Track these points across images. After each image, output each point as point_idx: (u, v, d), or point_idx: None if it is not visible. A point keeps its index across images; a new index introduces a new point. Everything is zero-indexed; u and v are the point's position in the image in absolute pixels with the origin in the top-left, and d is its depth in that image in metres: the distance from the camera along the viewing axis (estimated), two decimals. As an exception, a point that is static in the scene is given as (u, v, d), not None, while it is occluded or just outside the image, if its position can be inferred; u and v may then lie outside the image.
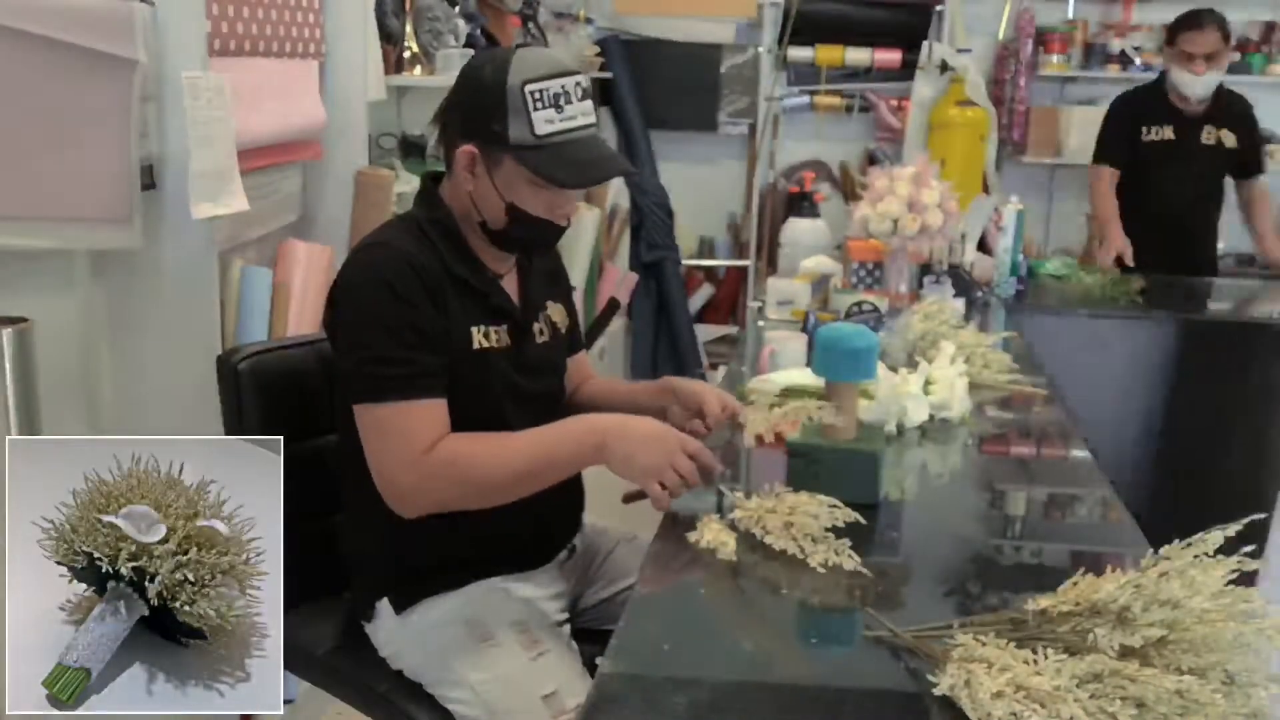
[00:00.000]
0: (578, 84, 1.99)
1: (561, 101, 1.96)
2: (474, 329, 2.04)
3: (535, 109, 1.94)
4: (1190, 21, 4.84)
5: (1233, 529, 1.48)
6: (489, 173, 2.00)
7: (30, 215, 2.35)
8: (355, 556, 2.18)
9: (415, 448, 1.91)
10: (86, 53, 2.32)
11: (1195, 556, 1.46)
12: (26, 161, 2.32)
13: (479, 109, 1.98)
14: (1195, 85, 4.85)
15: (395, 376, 1.92)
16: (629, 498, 2.13)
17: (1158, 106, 5.00)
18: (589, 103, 2.01)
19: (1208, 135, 4.99)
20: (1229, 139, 4.98)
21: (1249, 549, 1.46)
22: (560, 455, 1.99)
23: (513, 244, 2.11)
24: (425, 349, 1.94)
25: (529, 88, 1.94)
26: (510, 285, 2.16)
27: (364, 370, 1.94)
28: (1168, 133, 4.98)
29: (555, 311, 2.28)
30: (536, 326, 2.19)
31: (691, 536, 1.91)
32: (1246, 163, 5.08)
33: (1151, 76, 6.05)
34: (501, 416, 2.05)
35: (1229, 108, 5.03)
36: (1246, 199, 5.16)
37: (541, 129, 1.94)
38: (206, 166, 2.54)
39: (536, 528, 2.15)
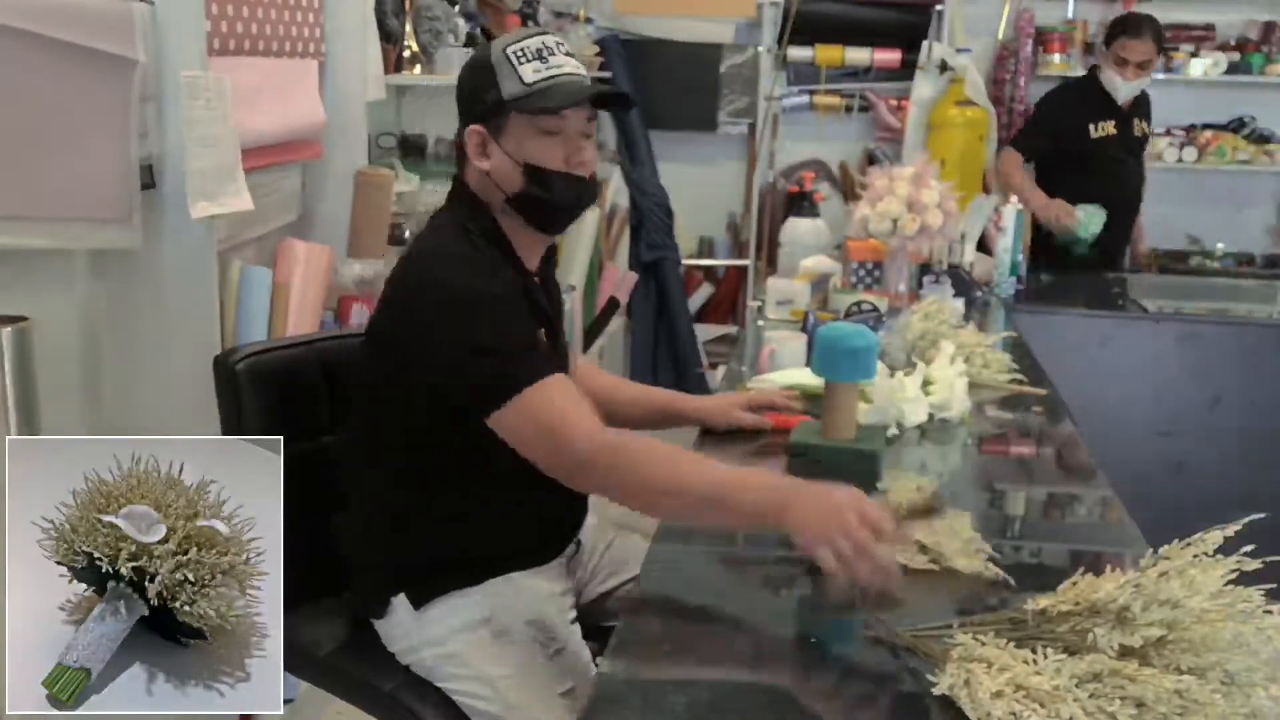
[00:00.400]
0: (558, 42, 2.05)
1: (545, 54, 2.01)
2: (537, 332, 2.06)
3: (520, 64, 2.00)
4: (1131, 29, 4.96)
5: (1232, 529, 1.48)
6: (498, 142, 2.03)
7: (30, 215, 2.34)
8: (361, 554, 2.17)
9: (570, 420, 1.91)
10: (86, 52, 2.32)
11: (1195, 556, 1.47)
12: (26, 161, 2.31)
13: (471, 89, 2.06)
14: (1122, 90, 5.03)
15: (519, 367, 1.92)
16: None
17: (1098, 102, 5.13)
18: (574, 60, 2.06)
19: (1137, 128, 5.21)
20: (1142, 129, 5.26)
21: (1249, 548, 1.46)
22: (732, 501, 1.86)
23: (541, 209, 2.08)
24: (526, 336, 1.99)
25: (509, 49, 2.01)
26: (538, 289, 2.17)
27: (489, 372, 1.92)
28: (1110, 127, 5.13)
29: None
30: (563, 325, 2.24)
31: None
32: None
33: (1154, 76, 6.08)
34: None
35: (1142, 97, 5.24)
36: None
37: (530, 77, 1.99)
38: (205, 165, 2.54)
39: (545, 522, 2.16)
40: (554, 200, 2.08)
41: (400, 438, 2.07)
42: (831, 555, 1.70)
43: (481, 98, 2.02)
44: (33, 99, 2.29)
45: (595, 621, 2.27)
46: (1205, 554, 1.47)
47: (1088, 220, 4.96)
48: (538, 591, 2.13)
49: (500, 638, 2.06)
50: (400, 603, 2.10)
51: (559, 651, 2.07)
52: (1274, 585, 1.47)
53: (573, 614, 2.19)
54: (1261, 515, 1.49)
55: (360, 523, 2.17)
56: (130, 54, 2.38)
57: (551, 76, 2.00)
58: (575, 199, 2.11)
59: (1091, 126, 5.11)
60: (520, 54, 2.00)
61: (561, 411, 1.91)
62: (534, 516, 2.09)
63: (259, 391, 2.23)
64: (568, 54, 2.05)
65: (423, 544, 2.06)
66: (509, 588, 2.11)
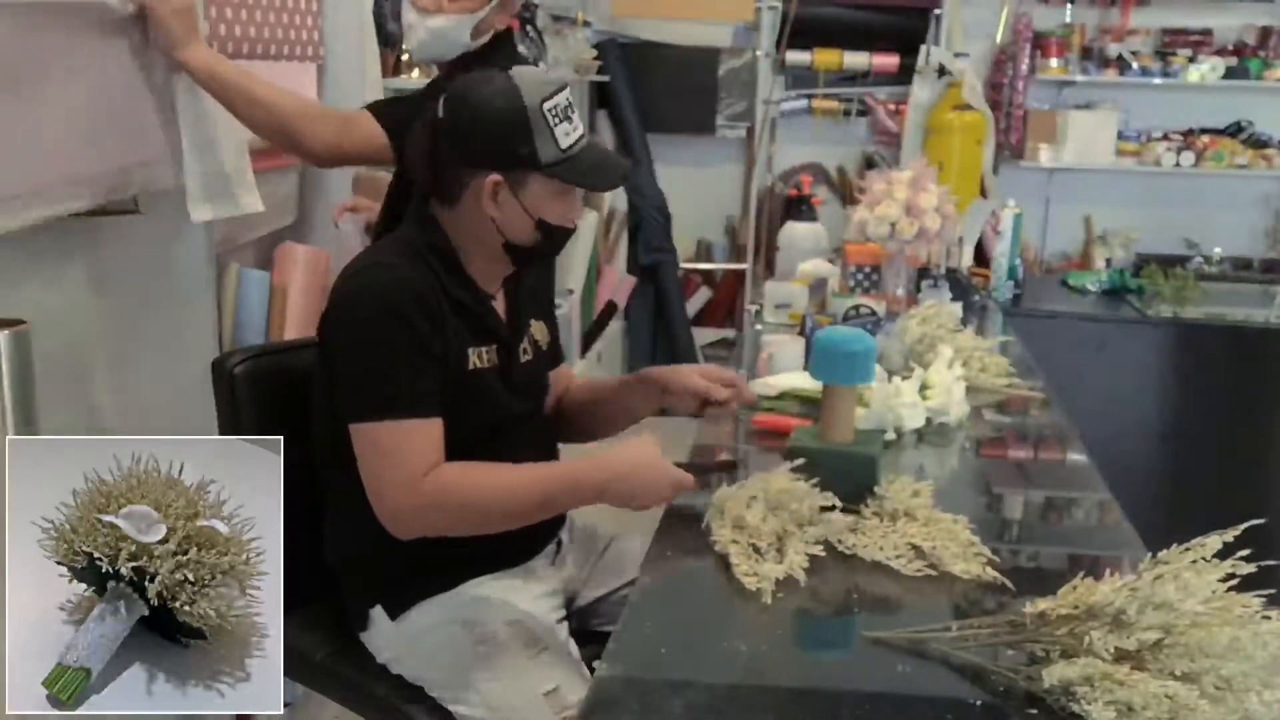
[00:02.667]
0: (570, 95, 2.05)
1: (570, 113, 2.01)
2: (470, 350, 2.05)
3: (556, 124, 1.98)
4: None
5: (1230, 534, 1.48)
6: (515, 196, 2.01)
7: (87, 175, 2.31)
8: (343, 565, 2.17)
9: (414, 469, 1.92)
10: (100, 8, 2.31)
11: (1193, 561, 1.47)
12: (66, 127, 2.29)
13: (500, 138, 1.98)
14: None
15: (390, 397, 1.93)
16: None
17: None
18: (577, 110, 2.08)
19: None
20: None
21: (1245, 553, 1.46)
22: (557, 497, 2.01)
23: (536, 257, 2.15)
24: (424, 370, 1.96)
25: (546, 105, 1.97)
26: (499, 306, 2.17)
27: (364, 389, 1.94)
28: None
29: (538, 329, 2.28)
30: (522, 346, 2.20)
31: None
32: None
33: (1151, 81, 6.11)
34: (491, 435, 2.07)
35: None
36: None
37: (564, 142, 1.99)
38: (206, 169, 2.54)
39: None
40: (552, 251, 2.19)
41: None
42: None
43: (511, 149, 1.98)
44: (56, 65, 2.27)
45: (592, 625, 2.27)
46: (1203, 559, 1.47)
47: None
48: (517, 593, 2.14)
49: (482, 642, 2.07)
50: (379, 614, 2.12)
51: (542, 652, 2.08)
52: (1273, 591, 1.47)
53: (560, 614, 2.19)
54: (1259, 521, 1.49)
55: (338, 531, 2.17)
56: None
57: (577, 141, 2.02)
58: (560, 250, 2.22)
59: None
60: (554, 112, 1.98)
61: (400, 456, 1.93)
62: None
63: (256, 394, 2.23)
64: (576, 107, 2.07)
65: (394, 553, 2.03)
66: (486, 591, 2.12)
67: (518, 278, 2.20)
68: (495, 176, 1.99)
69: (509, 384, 2.13)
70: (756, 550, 1.89)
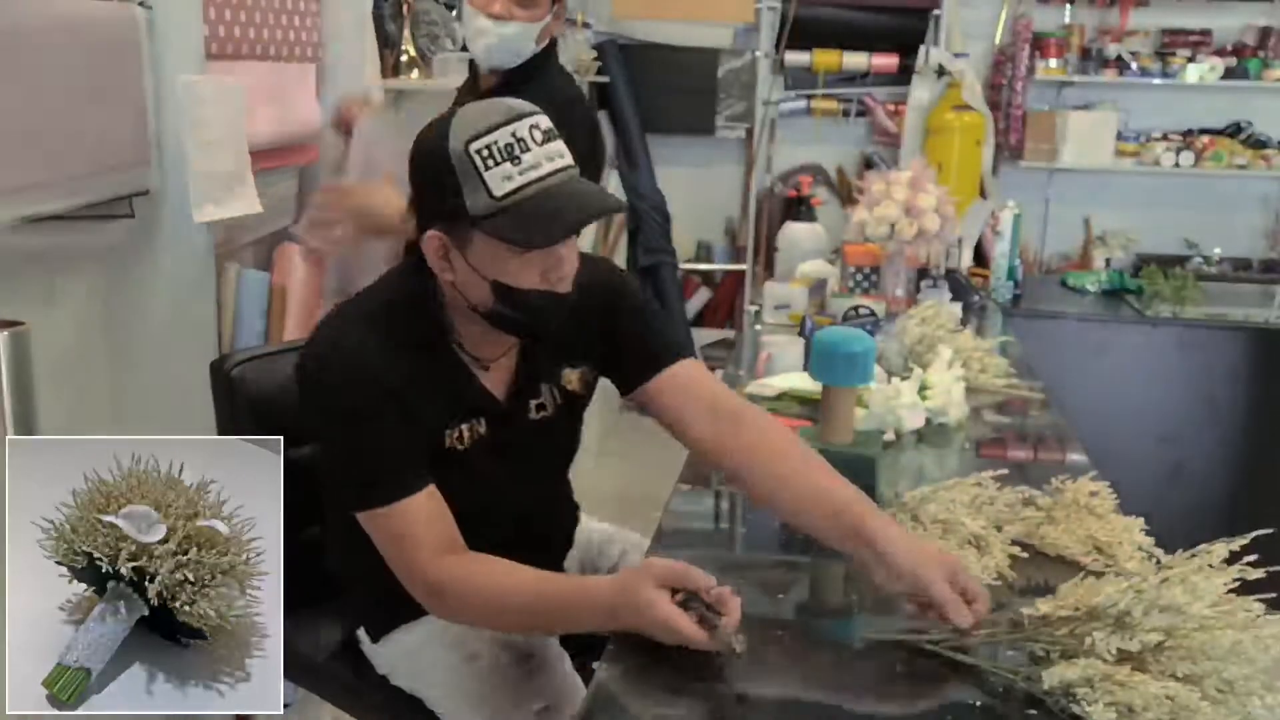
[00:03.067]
0: (533, 127, 1.72)
1: (516, 150, 1.69)
2: (446, 431, 1.89)
3: (487, 168, 1.69)
4: None
5: (1238, 543, 1.48)
6: (463, 255, 1.76)
7: (51, 180, 2.29)
8: (338, 574, 2.15)
9: (421, 550, 1.79)
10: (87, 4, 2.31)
11: (1199, 568, 1.47)
12: (44, 126, 2.27)
13: (431, 186, 1.75)
14: None
15: (370, 484, 1.80)
16: None
17: None
18: (555, 144, 1.74)
19: None
20: None
21: (1251, 558, 1.46)
22: (571, 622, 1.81)
23: (514, 326, 1.85)
24: (391, 450, 1.81)
25: (473, 146, 1.69)
26: (504, 367, 1.96)
27: (343, 483, 1.85)
28: None
29: (571, 378, 2.04)
30: (535, 403, 1.99)
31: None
32: None
33: (1150, 82, 6.10)
34: (478, 505, 1.88)
35: None
36: None
37: (500, 189, 1.69)
38: (209, 169, 2.54)
39: (496, 548, 1.84)
40: (527, 320, 1.83)
41: None
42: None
43: (440, 203, 1.73)
44: (41, 62, 2.26)
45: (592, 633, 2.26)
46: (1210, 565, 1.47)
47: None
48: None
49: (470, 661, 2.04)
50: (363, 636, 2.12)
51: (535, 669, 2.04)
52: (1274, 595, 1.47)
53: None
54: (1268, 531, 1.49)
55: (331, 543, 2.15)
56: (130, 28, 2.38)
57: (526, 184, 1.70)
58: (551, 319, 1.84)
59: None
60: (486, 154, 1.68)
61: (403, 538, 1.79)
62: (483, 543, 1.85)
63: (254, 396, 2.23)
64: (545, 139, 1.73)
65: (372, 577, 1.91)
66: None
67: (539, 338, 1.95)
68: (435, 233, 1.77)
69: (507, 451, 1.97)
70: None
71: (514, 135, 1.69)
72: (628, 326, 2.02)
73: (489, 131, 1.69)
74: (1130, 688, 1.40)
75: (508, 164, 1.68)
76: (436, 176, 1.72)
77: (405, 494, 1.79)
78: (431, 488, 1.81)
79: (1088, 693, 1.42)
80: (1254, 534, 1.49)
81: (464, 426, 1.90)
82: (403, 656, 2.09)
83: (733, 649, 1.56)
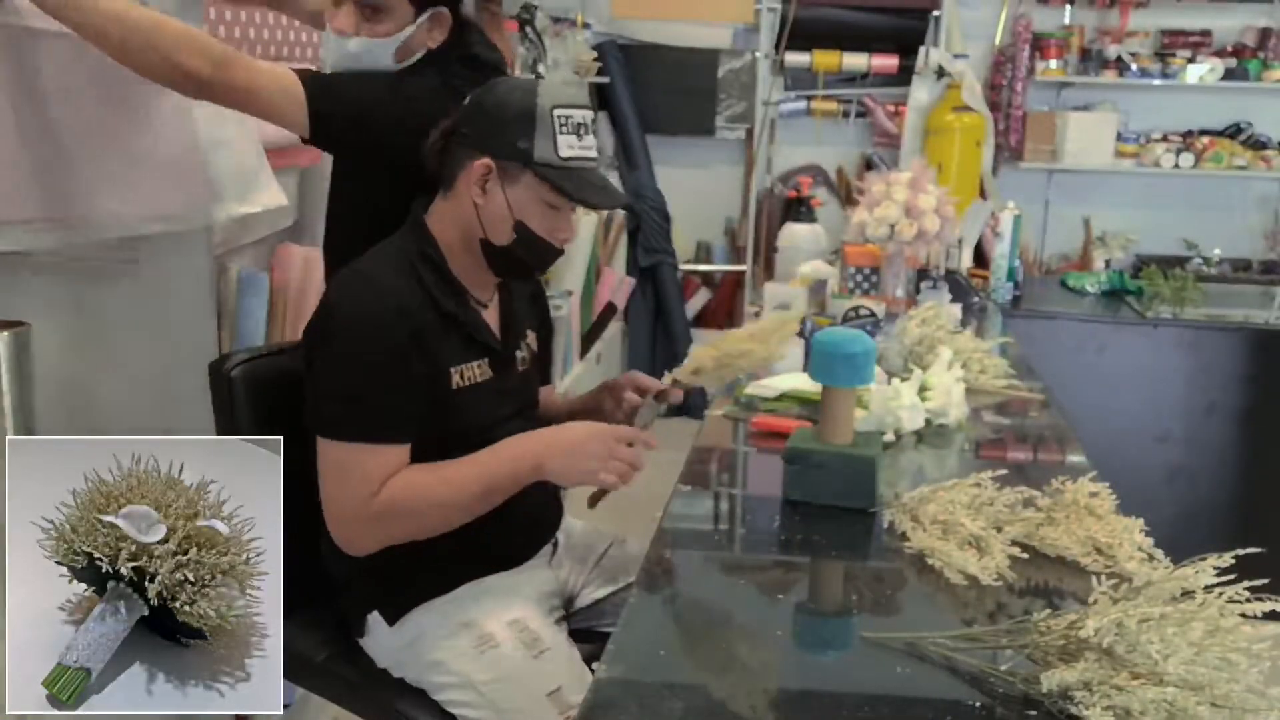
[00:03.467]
0: (593, 119, 2.07)
1: (582, 131, 2.03)
2: (453, 370, 2.05)
3: (562, 132, 2.00)
4: None
5: (1229, 557, 1.48)
6: (502, 188, 2.02)
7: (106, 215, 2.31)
8: (340, 571, 2.17)
9: (366, 491, 1.94)
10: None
11: (1177, 595, 1.47)
12: (88, 160, 2.28)
13: (501, 125, 2.01)
14: None
15: (364, 417, 1.94)
16: (592, 500, 2.15)
17: None
18: (594, 139, 2.07)
19: None
20: None
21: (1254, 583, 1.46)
22: (498, 483, 2.00)
23: (510, 264, 2.12)
24: (400, 392, 1.96)
25: (558, 111, 2.00)
26: (492, 315, 2.18)
27: (333, 406, 1.96)
28: None
29: (532, 338, 2.31)
30: (519, 355, 2.23)
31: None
32: None
33: (1150, 83, 6.10)
34: (474, 444, 2.05)
35: None
36: None
37: (565, 152, 2.00)
38: (228, 168, 2.54)
39: (516, 524, 2.14)
40: (529, 262, 2.13)
41: None
42: (611, 479, 1.98)
43: (510, 139, 2.00)
44: (84, 99, 2.27)
45: (592, 625, 2.27)
46: (1189, 590, 1.47)
47: None
48: (517, 593, 2.14)
49: (483, 643, 2.06)
50: (376, 620, 2.12)
51: (544, 652, 2.07)
52: (1266, 579, 1.47)
53: (558, 614, 2.19)
54: (1258, 550, 1.48)
55: (331, 538, 2.16)
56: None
57: (581, 159, 2.02)
58: (544, 266, 2.22)
59: None
60: (564, 121, 2.00)
61: (343, 479, 1.96)
62: (500, 519, 2.06)
63: (254, 397, 2.23)
64: (594, 131, 2.07)
65: (389, 558, 2.03)
66: (485, 592, 2.12)
67: (507, 286, 2.22)
68: (487, 161, 2.01)
69: (502, 394, 2.14)
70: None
71: (585, 118, 2.04)
72: (545, 338, 2.40)
73: (571, 107, 2.02)
74: (1129, 692, 1.40)
75: (574, 136, 2.02)
76: (516, 119, 2.00)
77: (394, 440, 1.97)
78: (406, 449, 1.99)
79: (1085, 696, 1.42)
80: (1245, 550, 1.48)
81: (473, 365, 2.09)
82: (413, 643, 2.09)
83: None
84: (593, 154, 2.05)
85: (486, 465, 2.00)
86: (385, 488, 1.94)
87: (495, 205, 2.03)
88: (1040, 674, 1.46)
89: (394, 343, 1.94)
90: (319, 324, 2.00)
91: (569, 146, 2.00)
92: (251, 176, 2.63)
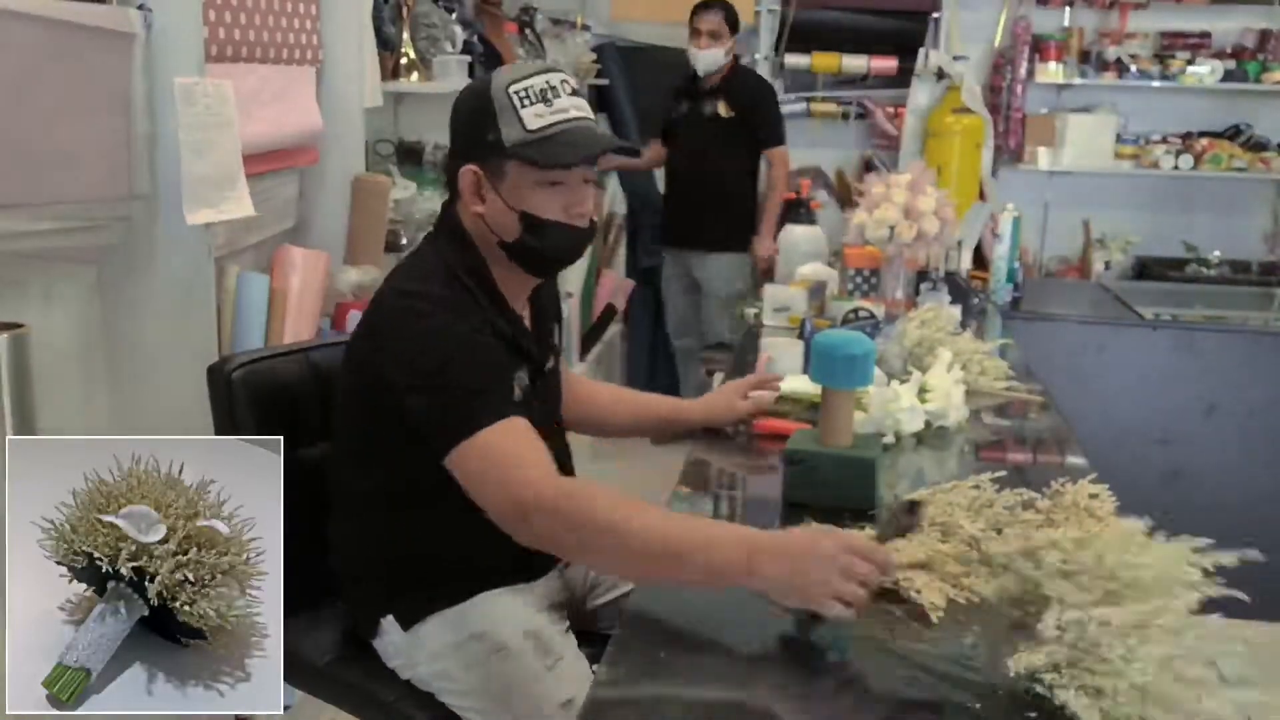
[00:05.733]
0: (563, 80, 1.99)
1: (549, 96, 1.96)
2: (515, 378, 2.01)
3: (523, 106, 1.94)
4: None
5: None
6: (495, 188, 1.99)
7: (30, 201, 2.29)
8: (350, 572, 2.17)
9: (543, 462, 1.84)
10: (83, 30, 2.30)
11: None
12: (25, 145, 2.27)
13: (470, 127, 1.99)
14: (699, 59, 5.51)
15: (483, 406, 1.86)
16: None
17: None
18: (580, 99, 2.00)
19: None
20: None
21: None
22: (701, 559, 1.68)
23: (535, 259, 2.06)
24: (497, 378, 1.92)
25: (513, 88, 1.95)
26: (527, 319, 2.16)
27: (451, 411, 1.87)
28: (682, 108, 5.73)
29: (555, 334, 2.29)
30: (549, 357, 2.21)
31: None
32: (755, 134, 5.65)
33: (1150, 84, 6.10)
34: None
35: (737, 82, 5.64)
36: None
37: (533, 123, 1.94)
38: (203, 172, 2.54)
39: None
40: (549, 251, 2.05)
41: (380, 454, 2.05)
42: (841, 605, 1.59)
43: (480, 137, 1.96)
44: (29, 82, 2.26)
45: (594, 629, 2.27)
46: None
47: None
48: (530, 605, 2.12)
49: (497, 652, 2.05)
50: (390, 624, 2.10)
51: (557, 662, 2.06)
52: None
53: (567, 624, 2.19)
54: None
55: (346, 538, 2.16)
56: (126, 28, 2.37)
57: (555, 123, 1.95)
58: (571, 249, 2.09)
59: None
60: (523, 95, 1.94)
61: (516, 455, 1.83)
62: None
63: (253, 399, 2.23)
64: (573, 92, 2.00)
65: (408, 563, 2.03)
66: (500, 602, 2.10)
67: (538, 288, 2.18)
68: (472, 168, 1.99)
69: (541, 399, 2.12)
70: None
71: (547, 83, 1.97)
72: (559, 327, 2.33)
73: (527, 77, 1.96)
74: (1100, 675, 1.39)
75: (540, 104, 1.95)
76: (478, 114, 1.97)
77: (512, 413, 1.88)
78: (525, 419, 1.90)
79: (1056, 678, 1.42)
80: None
81: (522, 373, 2.04)
82: (426, 649, 2.09)
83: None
84: (572, 113, 1.97)
85: (691, 532, 1.74)
86: (579, 482, 1.89)
87: (495, 207, 2.00)
88: (1008, 659, 1.46)
89: (468, 337, 1.91)
90: (387, 347, 1.95)
91: (536, 116, 1.94)
92: (228, 184, 2.63)
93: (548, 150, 1.94)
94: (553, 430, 2.18)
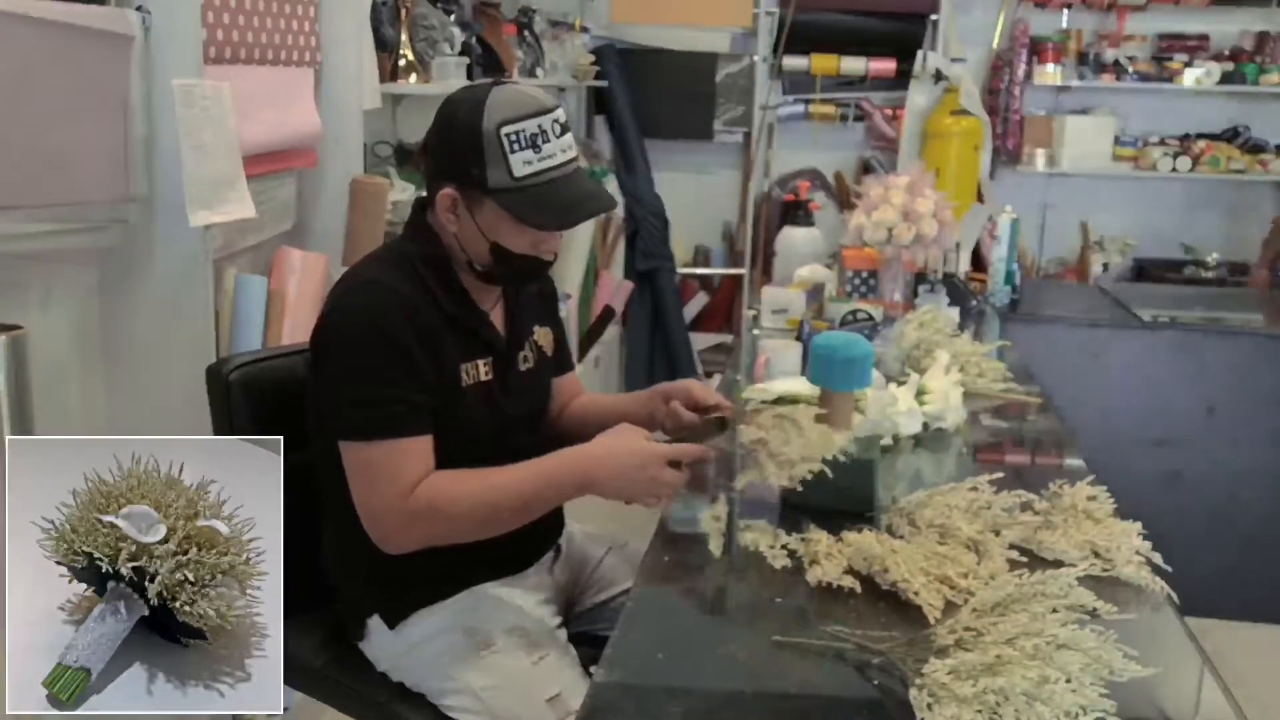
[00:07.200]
0: (555, 121, 1.97)
1: (539, 141, 1.94)
2: (463, 366, 2.04)
3: (512, 151, 1.92)
4: None
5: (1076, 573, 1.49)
6: (470, 214, 1.99)
7: (27, 203, 2.30)
8: (340, 575, 2.18)
9: (402, 488, 1.91)
10: (81, 31, 2.30)
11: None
12: (22, 146, 2.27)
13: (456, 153, 1.96)
14: None
15: (383, 416, 1.92)
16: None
17: None
18: (568, 137, 2.00)
19: None
20: None
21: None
22: (544, 493, 1.98)
23: (499, 280, 2.10)
24: (414, 388, 1.94)
25: (505, 130, 1.92)
26: (497, 316, 2.16)
27: (351, 410, 1.93)
28: None
29: (542, 336, 2.28)
30: (521, 355, 2.19)
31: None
32: None
33: (1148, 87, 6.10)
34: (481, 444, 2.03)
35: None
36: None
37: (520, 171, 1.93)
38: (203, 173, 2.54)
39: (519, 530, 2.07)
40: (513, 277, 2.10)
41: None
42: (654, 502, 1.99)
43: (464, 168, 1.95)
44: (27, 84, 2.26)
45: (591, 629, 2.27)
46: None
47: None
48: (516, 600, 2.14)
49: (481, 649, 2.06)
50: (376, 623, 2.11)
51: (543, 658, 2.07)
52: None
53: (557, 620, 2.19)
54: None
55: (332, 540, 2.17)
56: (124, 30, 2.37)
57: (541, 171, 1.94)
58: (534, 276, 2.17)
59: None
60: (514, 138, 1.92)
61: (376, 479, 1.93)
62: None
63: (251, 401, 2.23)
64: (563, 130, 1.98)
65: (389, 562, 2.01)
66: (485, 599, 2.12)
67: (518, 290, 2.20)
68: (450, 190, 1.99)
69: (506, 394, 2.12)
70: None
71: (539, 127, 1.94)
72: (559, 334, 2.36)
73: (520, 120, 1.93)
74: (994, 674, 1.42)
75: (529, 151, 1.93)
76: (466, 146, 1.94)
77: (413, 433, 1.94)
78: (429, 438, 1.97)
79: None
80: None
81: (479, 363, 2.08)
82: (412, 647, 2.10)
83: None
84: (560, 159, 1.97)
85: (533, 474, 1.97)
86: (424, 486, 1.92)
87: (468, 230, 2.01)
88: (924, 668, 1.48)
89: (403, 343, 1.92)
90: (328, 332, 1.99)
91: (524, 164, 1.93)
92: (228, 186, 2.63)
93: (528, 208, 1.95)
94: (528, 428, 2.20)
